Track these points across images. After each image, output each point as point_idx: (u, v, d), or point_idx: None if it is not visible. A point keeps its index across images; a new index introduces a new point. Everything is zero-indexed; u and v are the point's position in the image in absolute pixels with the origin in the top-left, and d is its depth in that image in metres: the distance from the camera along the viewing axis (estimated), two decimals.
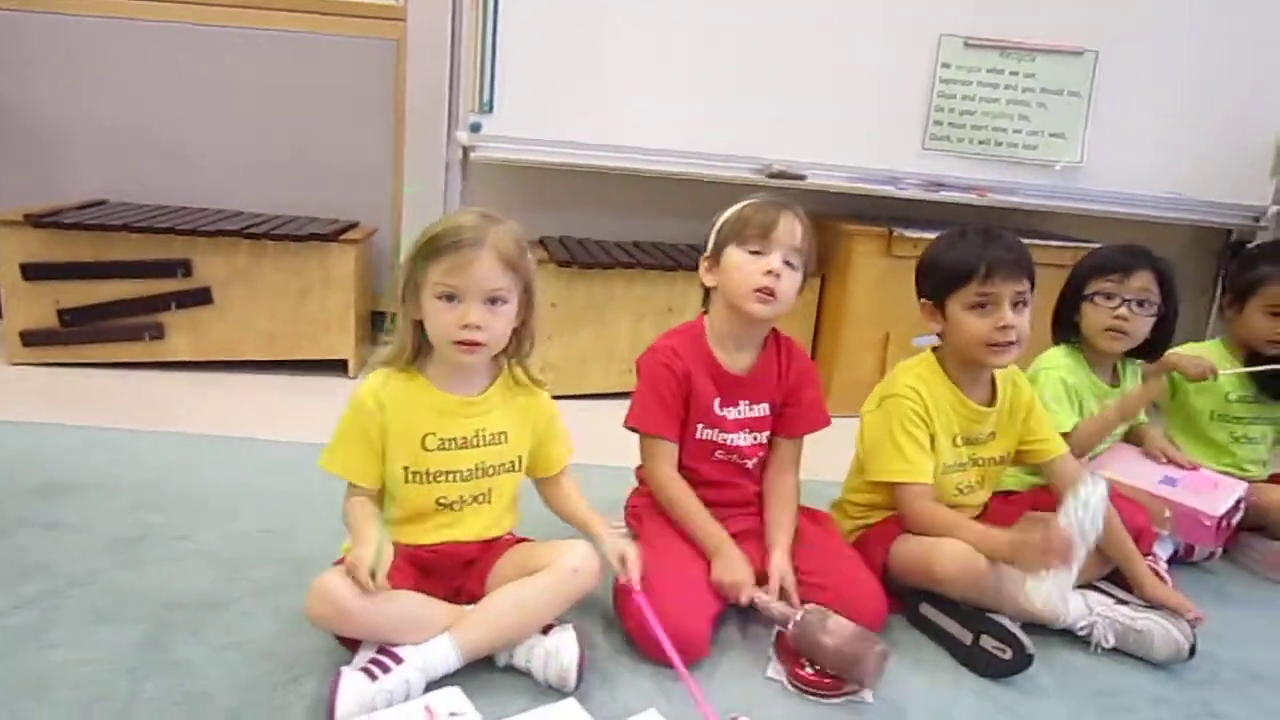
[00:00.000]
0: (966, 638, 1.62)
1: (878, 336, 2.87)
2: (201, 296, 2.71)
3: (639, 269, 2.80)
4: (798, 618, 1.50)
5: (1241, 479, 2.19)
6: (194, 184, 2.98)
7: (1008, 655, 1.56)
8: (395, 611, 1.36)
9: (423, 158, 2.70)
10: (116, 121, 2.99)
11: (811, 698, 1.47)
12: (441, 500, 1.48)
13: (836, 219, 2.92)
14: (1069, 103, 2.84)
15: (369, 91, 2.89)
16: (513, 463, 1.54)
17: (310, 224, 2.85)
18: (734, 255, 1.64)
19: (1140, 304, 1.98)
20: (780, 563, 1.63)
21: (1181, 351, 2.21)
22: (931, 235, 2.75)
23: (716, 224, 1.69)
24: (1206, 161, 2.95)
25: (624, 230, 3.13)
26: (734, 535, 1.69)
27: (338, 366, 2.82)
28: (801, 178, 2.75)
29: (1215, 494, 1.97)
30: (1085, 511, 1.52)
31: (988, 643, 1.59)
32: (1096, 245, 2.90)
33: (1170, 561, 2.02)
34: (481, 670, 1.41)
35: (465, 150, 2.71)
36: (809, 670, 1.48)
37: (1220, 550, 2.09)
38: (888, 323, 2.85)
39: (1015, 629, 1.58)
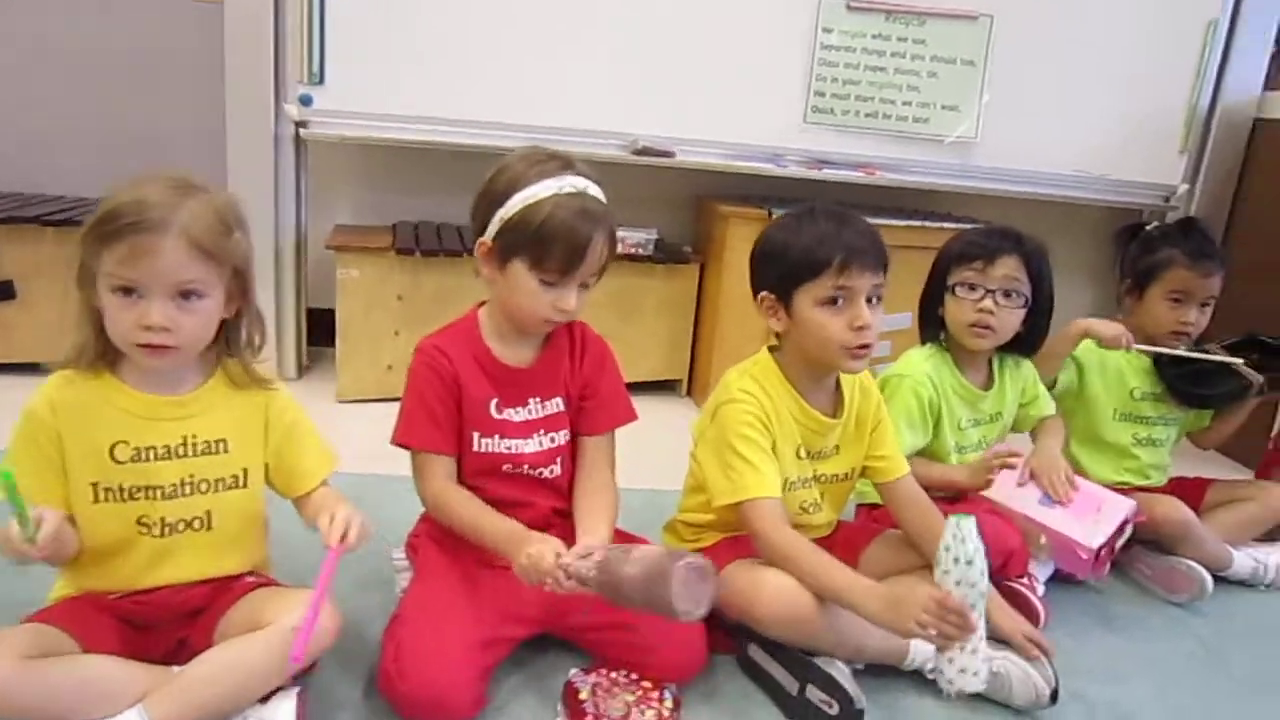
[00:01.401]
0: (793, 687, 1.40)
1: (761, 327, 2.59)
2: (3, 291, 2.42)
3: None
4: (596, 558, 1.25)
5: (1141, 487, 2.00)
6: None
7: (834, 710, 1.34)
8: (62, 681, 1.10)
9: (248, 135, 2.41)
10: None
11: None
12: (143, 521, 1.23)
13: (713, 199, 2.69)
14: (962, 72, 2.61)
15: (194, 60, 2.59)
16: (236, 477, 1.28)
17: None
18: (525, 279, 1.36)
19: (1007, 294, 1.76)
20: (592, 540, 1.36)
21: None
22: None
23: (503, 209, 1.36)
24: (1112, 137, 2.74)
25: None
26: None
27: None
28: (669, 154, 2.50)
29: (1097, 518, 1.74)
30: (967, 563, 1.28)
31: (814, 694, 1.36)
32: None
33: (1052, 579, 1.82)
34: None
35: (297, 126, 2.44)
36: None
37: (1109, 568, 1.89)
38: None
39: (845, 680, 1.36)
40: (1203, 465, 2.23)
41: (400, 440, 1.44)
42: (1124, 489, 1.97)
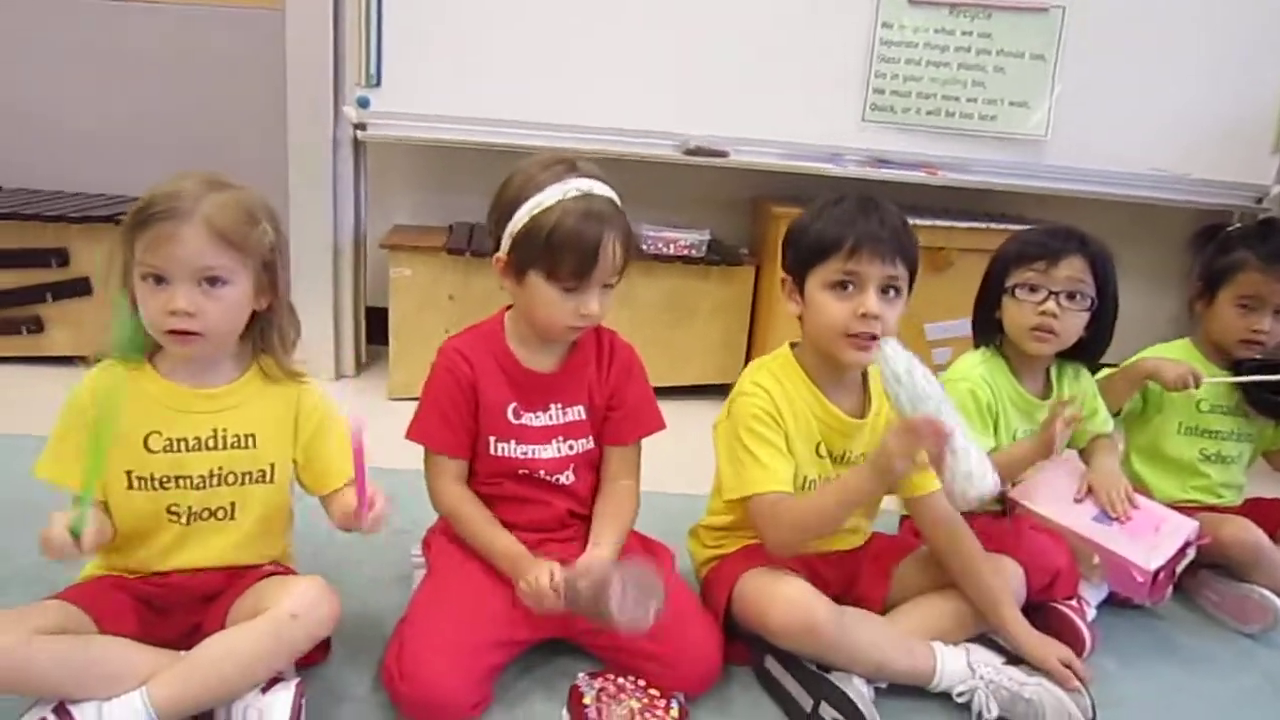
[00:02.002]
0: (807, 703, 1.34)
1: None
2: (80, 287, 2.54)
3: None
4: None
5: (1211, 507, 1.86)
6: (77, 166, 2.80)
7: None
8: (70, 659, 1.13)
9: (308, 137, 2.47)
10: (15, 103, 2.82)
11: None
12: (173, 509, 1.26)
13: (768, 200, 2.63)
14: (1031, 66, 2.48)
15: (257, 67, 2.67)
16: (264, 472, 1.30)
17: None
18: (544, 290, 1.34)
19: (1070, 296, 1.66)
20: (598, 554, 1.37)
21: (1150, 355, 1.88)
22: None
23: (511, 222, 1.35)
24: (1195, 133, 2.57)
25: None
26: None
27: None
28: (723, 154, 2.46)
29: (1155, 539, 1.63)
30: (905, 376, 1.27)
31: (827, 712, 1.31)
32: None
33: (1107, 603, 1.71)
34: None
35: (355, 129, 2.49)
36: None
37: (1170, 592, 1.76)
38: None
39: (860, 699, 1.29)
40: None
41: (412, 436, 1.45)
42: (1191, 508, 1.85)
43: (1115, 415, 1.86)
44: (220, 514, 1.29)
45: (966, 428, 1.28)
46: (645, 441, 1.53)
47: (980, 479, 1.25)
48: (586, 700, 1.30)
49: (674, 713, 1.29)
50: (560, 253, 1.31)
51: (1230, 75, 2.56)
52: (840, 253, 1.37)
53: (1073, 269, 1.65)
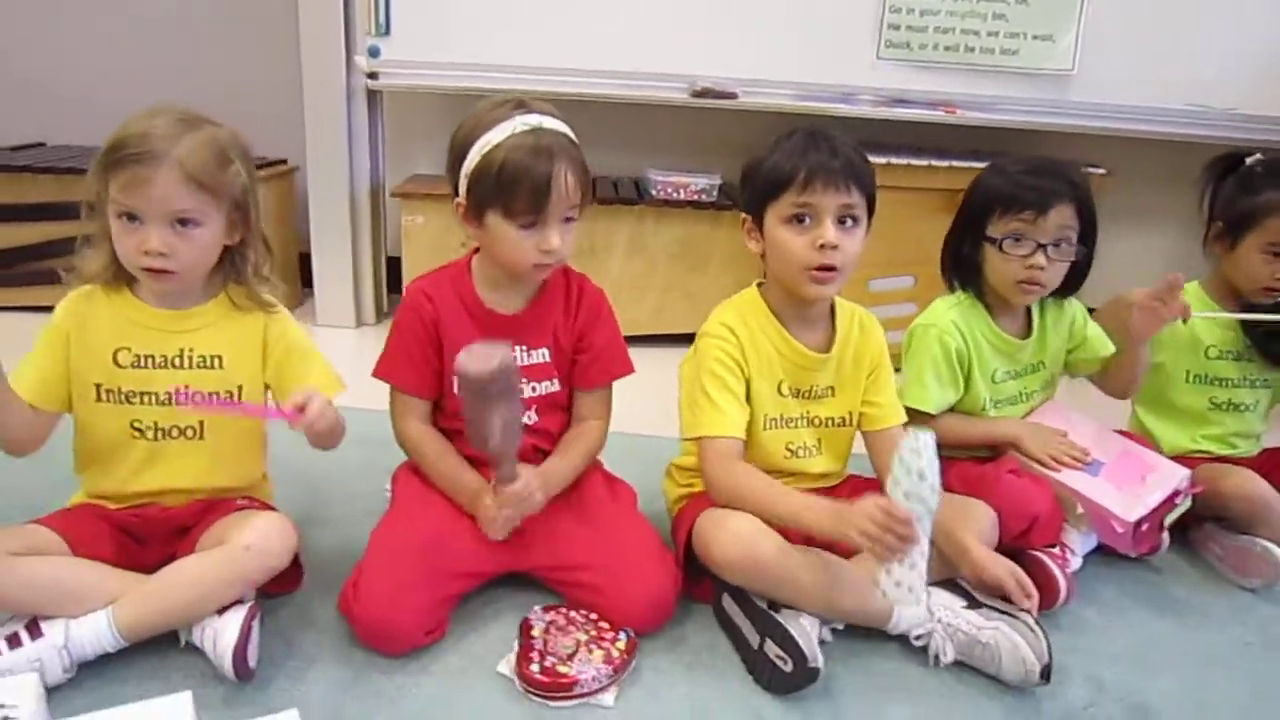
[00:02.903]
0: (755, 640, 1.34)
1: None
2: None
3: None
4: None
5: (1225, 457, 1.79)
6: (109, 123, 2.89)
7: (788, 667, 1.28)
8: (37, 577, 1.21)
9: (322, 87, 2.51)
10: (54, 63, 2.94)
11: (538, 700, 1.25)
12: (136, 425, 1.32)
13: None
14: None
15: (272, 19, 2.72)
16: (231, 394, 1.35)
17: None
18: (504, 229, 1.35)
19: (1057, 245, 1.59)
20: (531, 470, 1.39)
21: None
22: (886, 160, 2.43)
23: (465, 164, 1.36)
24: (1238, 65, 2.39)
25: None
26: None
27: None
28: (732, 96, 2.41)
29: (1140, 489, 1.57)
30: (919, 476, 1.22)
31: (771, 649, 1.31)
32: (1096, 169, 2.48)
33: (1100, 553, 1.66)
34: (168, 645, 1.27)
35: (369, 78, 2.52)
36: (536, 669, 1.26)
37: (1165, 543, 1.70)
38: None
39: (803, 636, 1.29)
40: None
41: (378, 374, 1.49)
42: (1201, 459, 1.78)
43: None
44: (189, 433, 1.34)
45: (928, 550, 1.25)
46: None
47: (906, 596, 1.24)
48: (535, 632, 1.33)
49: (620, 644, 1.31)
50: (513, 188, 1.31)
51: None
52: (794, 185, 1.36)
53: (1062, 217, 1.58)
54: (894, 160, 2.41)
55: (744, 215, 1.47)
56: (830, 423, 1.52)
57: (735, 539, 1.34)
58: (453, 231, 2.52)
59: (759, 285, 1.52)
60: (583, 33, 2.44)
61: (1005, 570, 1.37)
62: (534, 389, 1.49)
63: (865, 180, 1.39)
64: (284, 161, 2.79)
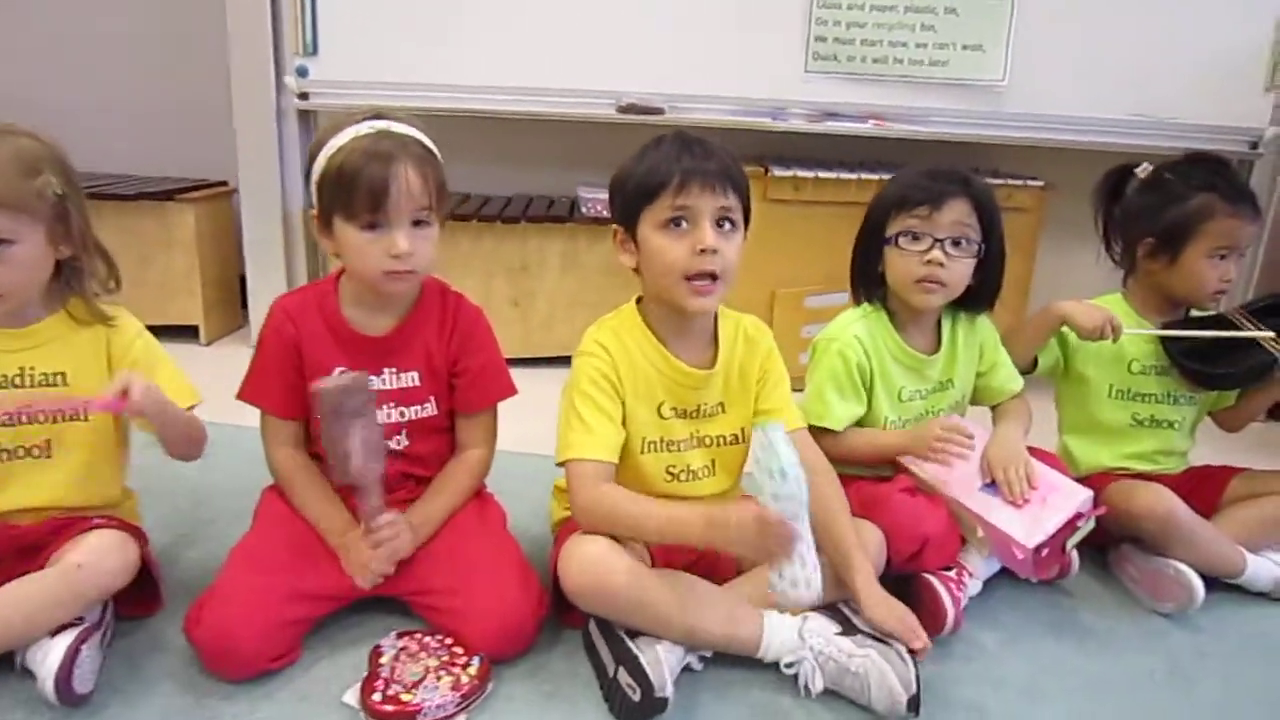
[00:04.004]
0: (610, 667, 1.29)
1: (761, 297, 2.47)
2: None
3: (483, 222, 2.52)
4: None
5: (1148, 475, 1.71)
6: None
7: (636, 697, 1.22)
8: None
9: (252, 108, 2.51)
10: None
11: None
12: None
13: None
14: (987, 7, 2.30)
15: (204, 42, 2.71)
16: (76, 411, 1.31)
17: (147, 183, 2.72)
18: (350, 235, 1.31)
19: (956, 243, 1.54)
20: (407, 519, 1.37)
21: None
22: (812, 174, 2.38)
23: (313, 171, 1.33)
24: (1177, 74, 2.34)
25: (496, 183, 2.84)
26: None
27: (189, 333, 2.70)
28: (658, 111, 2.37)
29: (1040, 512, 1.49)
30: (780, 475, 1.18)
31: (623, 677, 1.25)
32: (1035, 181, 2.43)
33: (1009, 577, 1.59)
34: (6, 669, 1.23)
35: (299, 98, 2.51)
36: (379, 698, 1.21)
37: (1074, 567, 1.63)
38: (772, 279, 2.44)
39: (652, 665, 1.23)
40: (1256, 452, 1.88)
41: (242, 396, 1.44)
42: (1121, 477, 1.71)
43: (1029, 371, 1.72)
44: (36, 451, 1.31)
45: (811, 537, 1.21)
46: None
47: (804, 594, 1.20)
48: (384, 659, 1.29)
49: (471, 670, 1.27)
50: (351, 186, 1.28)
51: (1212, 9, 2.32)
52: (669, 189, 1.29)
53: (957, 213, 1.53)
54: (824, 174, 2.37)
55: (615, 227, 1.41)
56: (722, 441, 1.46)
57: (583, 566, 1.28)
58: None
59: (637, 301, 1.47)
60: (511, 50, 2.42)
61: (895, 618, 1.31)
62: (403, 414, 1.44)
63: (740, 184, 1.34)
64: (224, 184, 2.78)
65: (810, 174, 2.38)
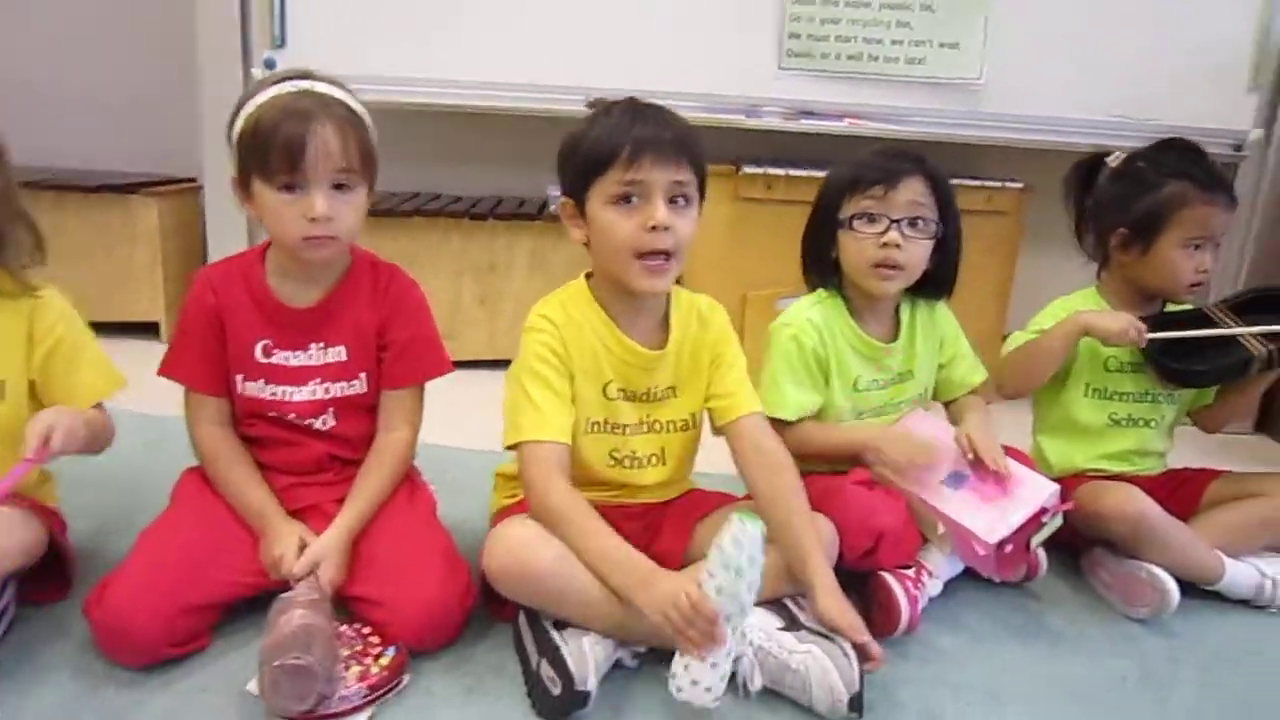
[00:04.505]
0: (535, 659, 1.21)
1: (733, 299, 2.38)
2: None
3: (451, 219, 2.47)
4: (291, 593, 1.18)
5: (1123, 476, 1.63)
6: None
7: (557, 689, 1.14)
8: None
9: (220, 101, 2.44)
10: None
11: None
12: None
13: None
14: (963, 4, 2.25)
15: (172, 34, 2.68)
16: None
17: (112, 176, 2.68)
18: (268, 197, 1.24)
19: (913, 224, 1.47)
20: (328, 541, 1.28)
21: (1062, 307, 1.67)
22: (784, 172, 2.33)
23: (233, 130, 1.28)
24: (1158, 73, 2.28)
25: (466, 183, 2.78)
26: (299, 512, 1.35)
27: (151, 329, 2.64)
28: None
29: (1004, 506, 1.41)
30: (736, 572, 1.10)
31: (545, 669, 1.17)
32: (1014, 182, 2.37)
33: (973, 577, 1.51)
34: None
35: None
36: None
37: (1040, 567, 1.54)
38: (743, 281, 2.38)
39: (577, 658, 1.16)
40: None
41: (163, 372, 1.38)
42: (1096, 478, 1.63)
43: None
44: None
45: (734, 647, 1.14)
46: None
47: (702, 695, 1.11)
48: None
49: (384, 660, 1.19)
50: (267, 145, 1.21)
51: (1194, 4, 2.26)
52: (619, 161, 1.22)
53: (913, 192, 1.47)
54: (796, 173, 2.31)
55: (563, 199, 1.34)
56: (673, 426, 1.39)
57: (508, 548, 1.21)
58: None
59: (587, 276, 1.40)
60: (480, 44, 2.38)
61: (848, 624, 1.22)
62: (328, 390, 1.38)
63: (697, 155, 1.27)
64: (193, 180, 2.74)
65: (782, 172, 2.32)
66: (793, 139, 2.40)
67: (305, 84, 1.26)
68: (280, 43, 2.39)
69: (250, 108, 1.25)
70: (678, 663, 1.13)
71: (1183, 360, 1.60)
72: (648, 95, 2.28)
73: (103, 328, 2.56)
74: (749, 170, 2.36)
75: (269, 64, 2.41)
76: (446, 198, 2.68)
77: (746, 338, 1.51)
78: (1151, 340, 1.59)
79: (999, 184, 2.38)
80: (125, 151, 2.87)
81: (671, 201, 1.24)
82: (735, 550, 1.09)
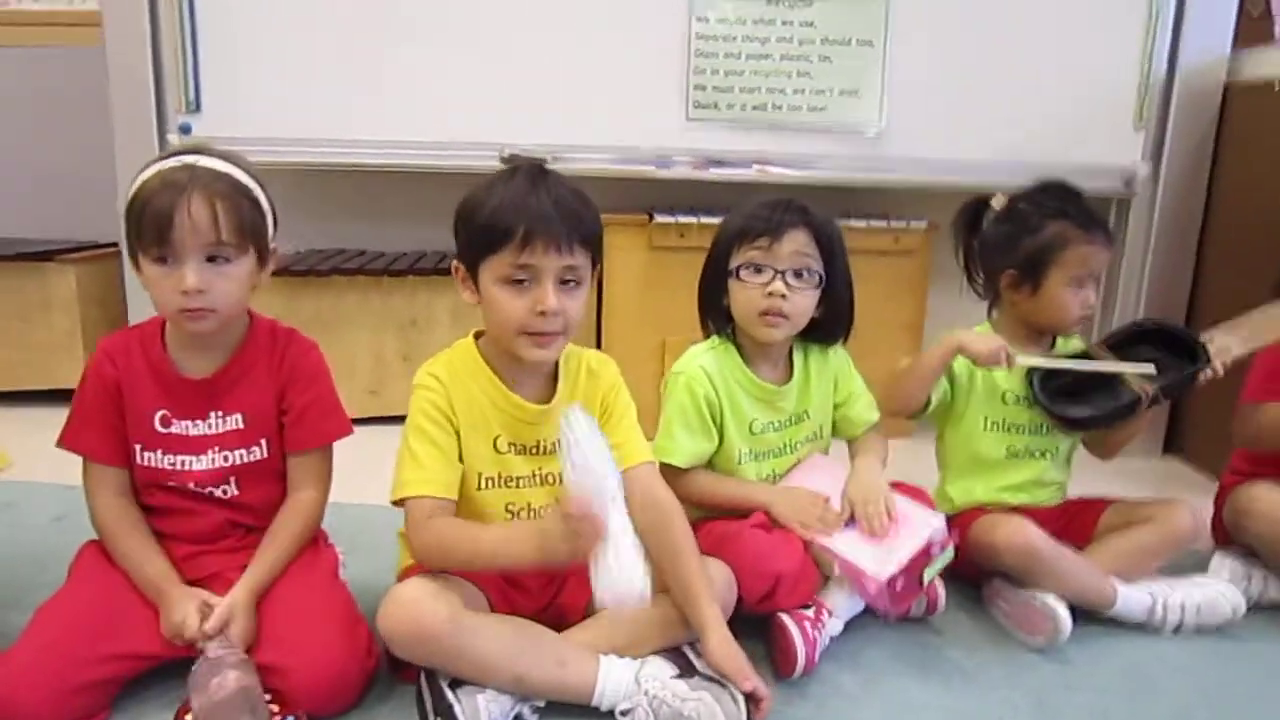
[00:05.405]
0: (432, 718, 1.21)
1: (652, 345, 2.44)
2: None
3: (370, 276, 2.49)
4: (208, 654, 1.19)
5: (1021, 509, 1.68)
6: None
7: None
8: None
9: (136, 167, 2.45)
10: None
11: None
12: None
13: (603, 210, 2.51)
14: (859, 53, 2.34)
15: (86, 102, 2.70)
16: None
17: (28, 244, 2.66)
18: (147, 269, 1.28)
19: (798, 274, 1.52)
20: (235, 599, 1.28)
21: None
22: (696, 220, 2.38)
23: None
24: (1047, 114, 2.37)
25: (388, 240, 2.81)
26: (201, 580, 1.35)
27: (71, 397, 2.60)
28: (542, 162, 2.36)
29: (891, 543, 1.46)
30: (571, 457, 1.14)
31: None
32: (919, 221, 2.44)
33: (873, 615, 1.54)
34: None
35: None
36: None
37: (941, 603, 1.58)
38: (661, 327, 2.42)
39: (471, 713, 1.17)
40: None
41: (62, 443, 1.38)
42: (995, 511, 1.67)
43: (922, 409, 1.68)
44: None
45: (629, 524, 1.16)
46: None
47: (624, 586, 1.13)
48: (189, 717, 1.20)
49: None
50: (140, 216, 1.24)
51: (1078, 50, 2.36)
52: (511, 244, 1.24)
53: (796, 243, 1.52)
54: (708, 220, 2.37)
55: (456, 262, 1.37)
56: (562, 479, 1.42)
57: (400, 608, 1.22)
58: (262, 307, 2.48)
59: (476, 335, 1.43)
60: (392, 104, 2.41)
61: (734, 670, 1.25)
62: (227, 458, 1.39)
63: (589, 236, 1.29)
64: (114, 245, 2.72)
65: (694, 220, 2.38)
66: (704, 187, 2.46)
67: (190, 158, 1.28)
68: (195, 107, 2.41)
69: (138, 181, 1.28)
70: (596, 577, 1.15)
71: (1076, 406, 1.66)
72: (560, 149, 2.39)
73: (23, 396, 2.56)
74: (661, 219, 2.41)
75: (184, 129, 2.43)
76: (371, 254, 2.70)
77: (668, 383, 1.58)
78: (1042, 386, 1.66)
79: (905, 224, 2.45)
80: (42, 218, 2.86)
81: (562, 283, 1.28)
82: (565, 433, 1.14)
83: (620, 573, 1.13)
